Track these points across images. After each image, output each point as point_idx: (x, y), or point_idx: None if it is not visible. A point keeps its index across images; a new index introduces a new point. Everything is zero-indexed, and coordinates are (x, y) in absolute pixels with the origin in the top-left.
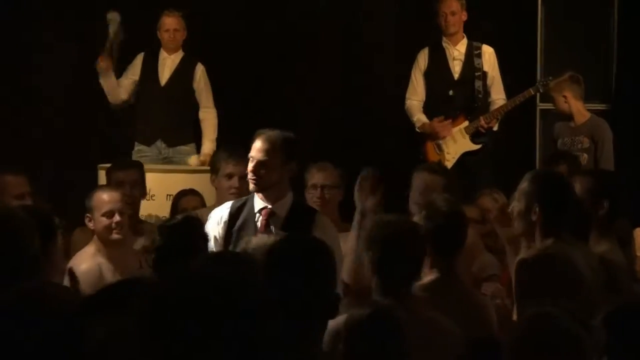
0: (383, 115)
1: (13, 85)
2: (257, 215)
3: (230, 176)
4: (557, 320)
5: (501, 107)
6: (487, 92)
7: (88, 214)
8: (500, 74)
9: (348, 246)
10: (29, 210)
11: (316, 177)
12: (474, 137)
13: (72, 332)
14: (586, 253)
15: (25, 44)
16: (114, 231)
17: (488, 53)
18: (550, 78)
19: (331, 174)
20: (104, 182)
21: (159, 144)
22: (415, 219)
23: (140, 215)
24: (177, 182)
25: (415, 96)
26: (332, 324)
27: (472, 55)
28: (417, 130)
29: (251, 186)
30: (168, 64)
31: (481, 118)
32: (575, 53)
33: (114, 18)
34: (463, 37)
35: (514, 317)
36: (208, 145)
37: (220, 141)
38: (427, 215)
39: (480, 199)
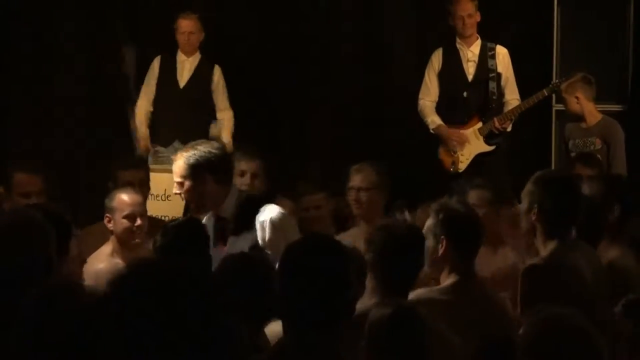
0: (400, 115)
1: (32, 87)
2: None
3: (242, 174)
4: (572, 320)
5: (515, 108)
6: (501, 93)
7: (108, 215)
8: (516, 75)
9: None
10: (46, 212)
11: (353, 179)
12: (488, 138)
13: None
14: (590, 257)
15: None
16: (135, 234)
17: (502, 54)
18: (563, 79)
19: (368, 175)
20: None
21: (177, 144)
22: (429, 222)
23: (155, 215)
24: None
25: (429, 97)
26: None
27: (486, 57)
28: (431, 131)
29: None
30: (187, 66)
31: (495, 119)
32: (591, 54)
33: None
34: (477, 39)
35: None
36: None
37: (238, 141)
38: (445, 219)
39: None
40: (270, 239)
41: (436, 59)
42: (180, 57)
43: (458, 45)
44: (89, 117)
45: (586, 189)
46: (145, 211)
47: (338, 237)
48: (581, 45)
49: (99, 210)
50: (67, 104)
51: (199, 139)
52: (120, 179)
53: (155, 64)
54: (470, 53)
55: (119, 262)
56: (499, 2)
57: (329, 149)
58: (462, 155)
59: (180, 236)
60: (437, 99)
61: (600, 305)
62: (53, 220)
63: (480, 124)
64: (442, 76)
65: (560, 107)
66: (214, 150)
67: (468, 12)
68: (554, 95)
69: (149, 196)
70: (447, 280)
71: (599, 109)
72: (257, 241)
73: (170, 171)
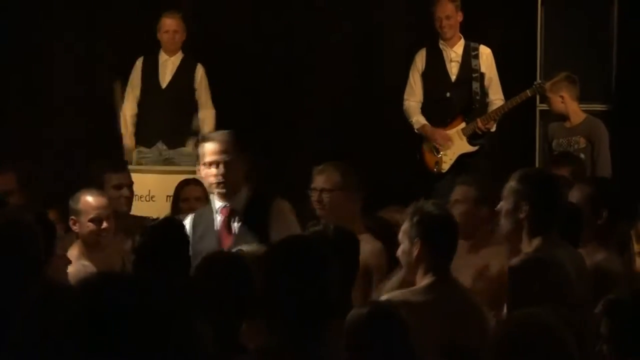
0: (384, 116)
1: (24, 87)
2: (217, 215)
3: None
4: (539, 319)
5: (499, 108)
6: (484, 93)
7: (73, 217)
8: (500, 75)
9: None
10: (35, 214)
11: (315, 180)
12: (471, 138)
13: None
14: (572, 254)
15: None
16: (101, 237)
17: (485, 54)
18: (546, 79)
19: (330, 176)
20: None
21: (160, 145)
22: (404, 225)
23: (139, 215)
24: (177, 183)
25: (413, 97)
26: None
27: (469, 57)
28: (415, 131)
29: (217, 189)
30: (169, 66)
31: (478, 120)
32: (575, 54)
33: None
34: (460, 39)
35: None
36: None
37: None
38: (419, 220)
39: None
40: (283, 230)
41: (420, 60)
42: (163, 56)
43: (441, 46)
44: (79, 118)
45: (574, 192)
46: (112, 213)
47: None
48: (565, 45)
49: None
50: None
51: (183, 139)
52: (110, 182)
53: (138, 65)
54: (454, 53)
55: (86, 264)
56: (483, 2)
57: (316, 149)
58: (445, 155)
59: (160, 237)
60: (422, 100)
61: (582, 303)
62: (42, 222)
63: (463, 125)
64: (425, 76)
65: (544, 107)
66: None
67: (446, 14)
68: (537, 96)
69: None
70: (423, 281)
71: (583, 109)
72: (267, 236)
73: (153, 172)
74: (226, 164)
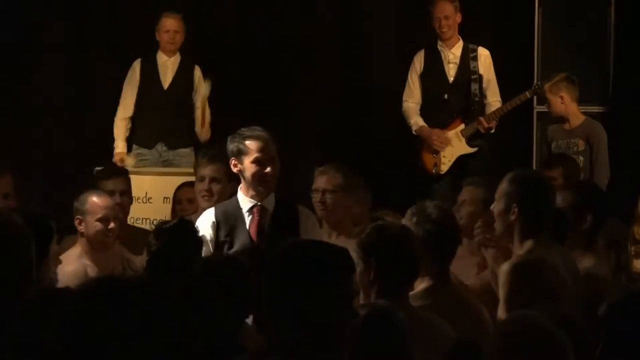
0: (382, 117)
1: (13, 88)
2: (247, 214)
3: (202, 179)
4: (534, 321)
5: (497, 110)
6: (483, 95)
7: (79, 217)
8: (498, 77)
9: None
10: (26, 216)
11: (317, 181)
12: (470, 140)
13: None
14: (564, 256)
15: (25, 48)
16: (107, 236)
17: (484, 56)
18: (545, 81)
19: (332, 178)
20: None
21: (160, 147)
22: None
23: (136, 217)
24: (174, 184)
25: (412, 99)
26: None
27: (467, 58)
28: (413, 132)
29: (267, 187)
30: (169, 66)
31: (481, 119)
32: (572, 55)
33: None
34: (458, 40)
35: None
36: None
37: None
38: (418, 221)
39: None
40: (311, 232)
41: (418, 61)
42: (162, 58)
43: (439, 47)
44: (71, 119)
45: (559, 198)
46: (118, 215)
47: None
48: (563, 46)
49: None
50: (47, 105)
51: (183, 140)
52: (102, 188)
53: (136, 66)
54: (452, 55)
55: (87, 263)
56: (481, 4)
57: (312, 150)
58: (444, 157)
59: (175, 239)
60: (420, 101)
61: (576, 305)
62: (33, 224)
63: (462, 126)
64: (423, 78)
65: (541, 108)
66: None
67: (445, 14)
68: (535, 97)
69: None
70: (421, 285)
71: (581, 111)
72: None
73: (150, 173)
74: (276, 162)
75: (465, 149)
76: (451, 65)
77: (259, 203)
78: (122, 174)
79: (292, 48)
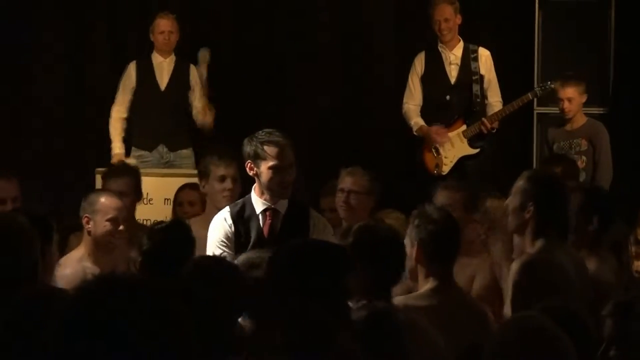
0: (382, 119)
1: (11, 90)
2: (261, 215)
3: (222, 178)
4: (536, 322)
5: (499, 111)
6: (484, 96)
7: (87, 215)
8: (498, 78)
9: None
10: (29, 216)
11: (344, 181)
12: (472, 141)
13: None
14: (574, 257)
15: (23, 48)
16: (115, 238)
17: (485, 56)
18: (548, 83)
19: (359, 179)
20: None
21: (161, 148)
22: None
23: (137, 219)
24: (175, 186)
25: (413, 100)
26: None
27: (468, 59)
28: (414, 133)
29: (284, 193)
30: (165, 67)
31: (485, 120)
32: (572, 57)
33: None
34: (459, 41)
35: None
36: None
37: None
38: (419, 224)
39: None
40: (323, 235)
41: (419, 63)
42: (157, 58)
43: (440, 49)
44: (67, 120)
45: None
46: (126, 217)
47: None
48: (562, 47)
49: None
50: (45, 106)
51: (183, 141)
52: (108, 187)
53: (131, 68)
54: (453, 56)
55: (88, 266)
56: (481, 6)
57: (307, 151)
58: (446, 157)
59: (167, 239)
60: (421, 103)
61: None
62: (35, 223)
63: (464, 127)
64: (425, 80)
65: (541, 110)
66: None
67: (445, 17)
68: (535, 99)
69: None
70: (425, 285)
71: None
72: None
73: (151, 175)
74: (293, 169)
75: (467, 150)
76: (452, 67)
77: (272, 206)
78: (129, 173)
79: (291, 48)
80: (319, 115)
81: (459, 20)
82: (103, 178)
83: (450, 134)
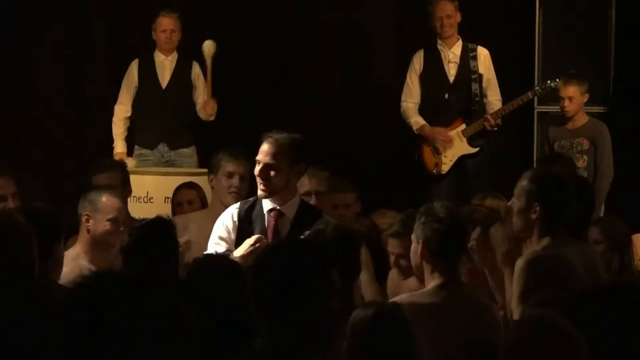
0: (381, 117)
1: (11, 89)
2: (266, 215)
3: (230, 175)
4: (552, 321)
5: (499, 110)
6: (483, 95)
7: (87, 213)
8: (498, 77)
9: None
10: (31, 214)
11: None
12: (472, 140)
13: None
14: (582, 251)
15: (24, 46)
16: (113, 238)
17: (483, 55)
18: (548, 81)
19: (319, 180)
20: None
21: (162, 147)
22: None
23: (137, 217)
24: (175, 184)
25: (411, 99)
26: None
27: (467, 58)
28: (415, 132)
29: (259, 191)
30: (167, 65)
31: (488, 117)
32: (573, 55)
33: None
34: (458, 39)
35: (515, 318)
36: None
37: (220, 142)
38: (425, 221)
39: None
40: None
41: (417, 61)
42: (159, 57)
43: (439, 47)
44: (69, 118)
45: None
46: (126, 219)
47: None
48: (563, 46)
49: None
50: (46, 104)
51: (184, 140)
52: (95, 183)
53: (134, 67)
54: (452, 54)
55: (84, 264)
56: (481, 4)
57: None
58: (445, 157)
59: (147, 237)
60: (419, 101)
61: None
62: (40, 220)
63: (463, 126)
64: (423, 78)
65: (542, 109)
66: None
67: (447, 13)
68: (535, 98)
69: (131, 198)
70: (432, 282)
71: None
72: None
73: (151, 173)
74: (268, 167)
75: (467, 149)
76: (451, 65)
77: (277, 207)
78: (116, 167)
79: (291, 48)
80: (320, 113)
81: (459, 18)
82: (90, 174)
83: (450, 133)
